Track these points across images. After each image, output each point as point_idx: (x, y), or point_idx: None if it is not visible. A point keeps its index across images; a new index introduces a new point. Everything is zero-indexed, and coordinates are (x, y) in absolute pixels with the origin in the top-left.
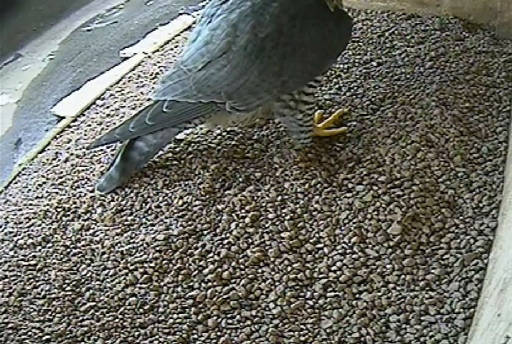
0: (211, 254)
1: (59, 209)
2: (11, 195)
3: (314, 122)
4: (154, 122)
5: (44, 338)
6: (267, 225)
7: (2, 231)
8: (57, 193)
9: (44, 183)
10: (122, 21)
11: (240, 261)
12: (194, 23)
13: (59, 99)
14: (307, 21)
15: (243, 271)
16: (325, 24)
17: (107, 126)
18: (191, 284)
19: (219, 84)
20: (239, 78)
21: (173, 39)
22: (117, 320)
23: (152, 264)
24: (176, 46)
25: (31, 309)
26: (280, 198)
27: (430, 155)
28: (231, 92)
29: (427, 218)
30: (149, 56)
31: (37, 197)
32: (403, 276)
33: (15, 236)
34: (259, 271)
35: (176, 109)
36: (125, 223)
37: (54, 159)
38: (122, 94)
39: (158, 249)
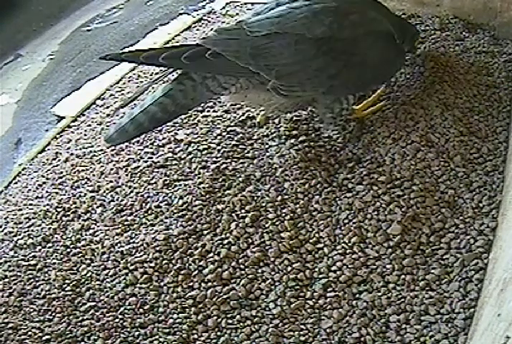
0: (211, 254)
1: (59, 209)
2: (11, 195)
3: (351, 108)
4: (190, 62)
5: (44, 338)
6: (267, 225)
7: (2, 231)
8: (57, 193)
9: (44, 183)
10: (122, 21)
11: (240, 261)
12: (194, 23)
13: (59, 99)
14: (377, 42)
15: (243, 271)
16: (388, 52)
17: (107, 126)
18: (191, 284)
19: (276, 60)
20: (298, 64)
21: (173, 39)
22: (117, 320)
23: (152, 264)
24: None
25: (31, 309)
26: (280, 198)
27: (430, 155)
28: (282, 75)
29: (427, 218)
30: None
31: (37, 197)
32: (403, 276)
33: (15, 236)
34: (259, 271)
35: (219, 61)
36: (125, 223)
37: (54, 159)
38: (122, 94)
39: (158, 249)
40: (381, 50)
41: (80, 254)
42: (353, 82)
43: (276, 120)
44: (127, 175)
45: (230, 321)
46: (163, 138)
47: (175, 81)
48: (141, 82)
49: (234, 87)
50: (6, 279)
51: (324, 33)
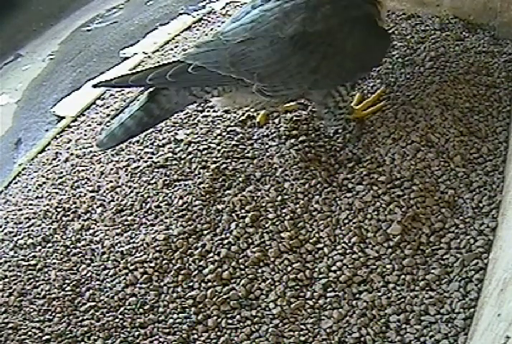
0: (211, 254)
1: (59, 209)
2: (11, 195)
3: (350, 107)
4: (175, 79)
5: (44, 338)
6: (267, 225)
7: (2, 231)
8: (57, 193)
9: (44, 183)
10: (122, 21)
11: (240, 261)
12: (194, 23)
13: (59, 99)
14: (354, 30)
15: (243, 271)
16: (368, 37)
17: (107, 126)
18: (191, 284)
19: (255, 64)
20: (277, 64)
21: (173, 39)
22: (117, 320)
23: (152, 264)
24: (176, 46)
25: (31, 309)
26: (280, 198)
27: (430, 155)
28: (264, 76)
29: (427, 218)
30: (149, 56)
31: (37, 197)
32: (403, 276)
33: (15, 236)
34: (259, 271)
35: (202, 73)
36: (125, 223)
37: (54, 159)
38: (122, 94)
39: (158, 249)
40: (359, 37)
41: (80, 254)
42: (337, 73)
43: (276, 120)
44: (127, 175)
45: (230, 321)
46: (163, 138)
47: None
48: None
49: (217, 91)
50: (6, 279)
51: (296, 30)
